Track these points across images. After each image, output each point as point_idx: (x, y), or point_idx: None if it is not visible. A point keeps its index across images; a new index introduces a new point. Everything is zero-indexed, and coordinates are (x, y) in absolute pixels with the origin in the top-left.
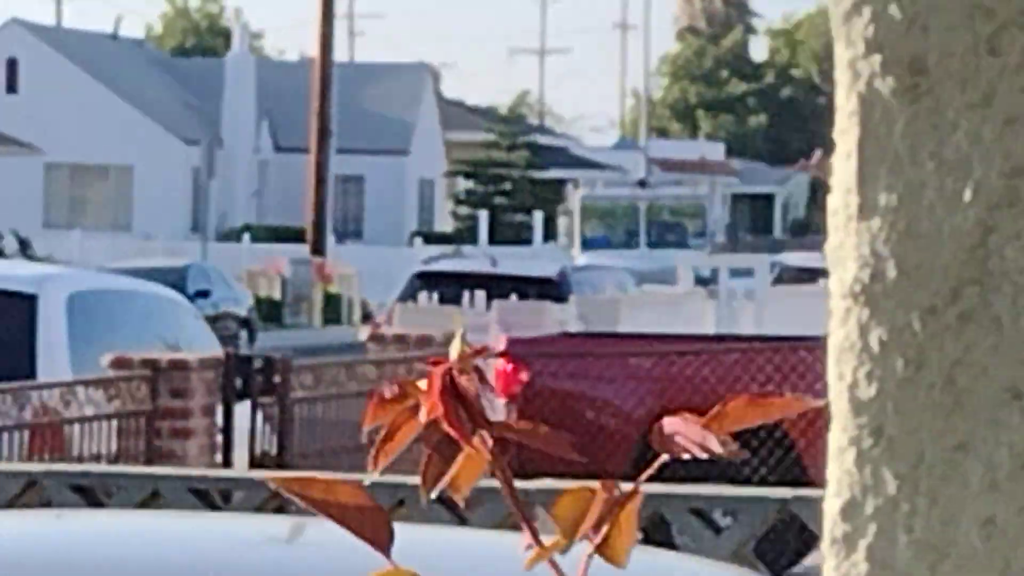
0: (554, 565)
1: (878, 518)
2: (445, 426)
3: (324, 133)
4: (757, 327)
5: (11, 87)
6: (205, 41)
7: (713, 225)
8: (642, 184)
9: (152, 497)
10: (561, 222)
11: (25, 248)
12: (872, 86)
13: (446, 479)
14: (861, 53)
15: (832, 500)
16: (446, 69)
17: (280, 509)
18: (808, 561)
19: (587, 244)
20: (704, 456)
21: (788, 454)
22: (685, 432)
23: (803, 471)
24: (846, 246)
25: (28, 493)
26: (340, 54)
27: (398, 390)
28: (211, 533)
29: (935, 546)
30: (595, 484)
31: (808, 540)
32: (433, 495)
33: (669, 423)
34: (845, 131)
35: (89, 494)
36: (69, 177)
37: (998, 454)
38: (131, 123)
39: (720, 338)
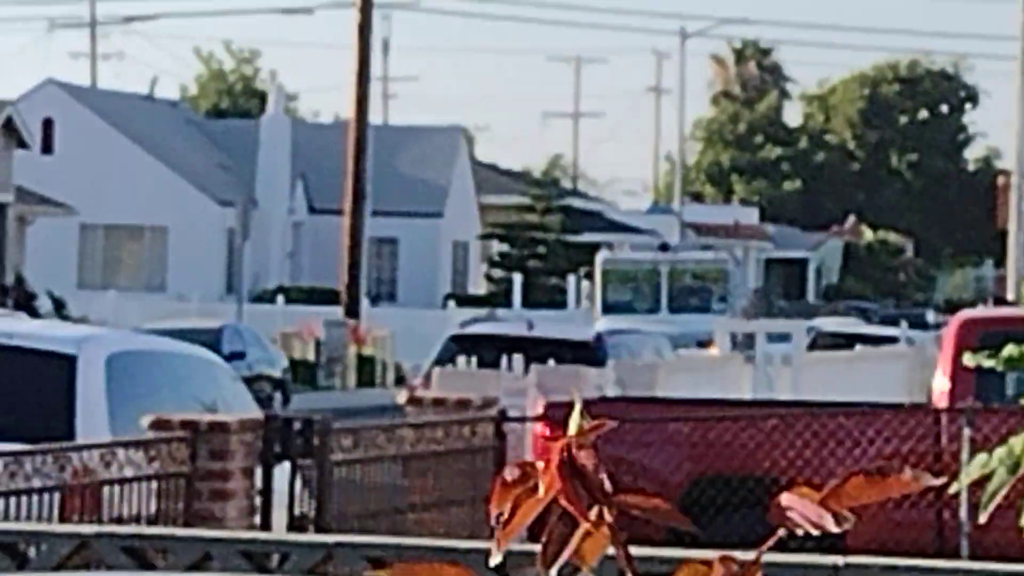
0: None
1: None
2: (563, 502)
3: (359, 195)
4: (794, 392)
5: (46, 147)
6: (240, 102)
7: (735, 290)
8: (664, 248)
9: (203, 560)
10: (584, 285)
11: (59, 308)
12: None
13: (565, 555)
14: None
15: None
16: (480, 132)
17: (326, 574)
18: None
19: (608, 308)
20: (817, 532)
21: None
22: (802, 508)
23: (840, 536)
24: None
25: (79, 554)
26: (375, 116)
27: (519, 472)
28: None
29: None
30: (710, 555)
31: None
32: (553, 572)
33: (787, 498)
34: None
35: (140, 556)
36: (104, 237)
37: None
38: (166, 184)
39: (758, 403)
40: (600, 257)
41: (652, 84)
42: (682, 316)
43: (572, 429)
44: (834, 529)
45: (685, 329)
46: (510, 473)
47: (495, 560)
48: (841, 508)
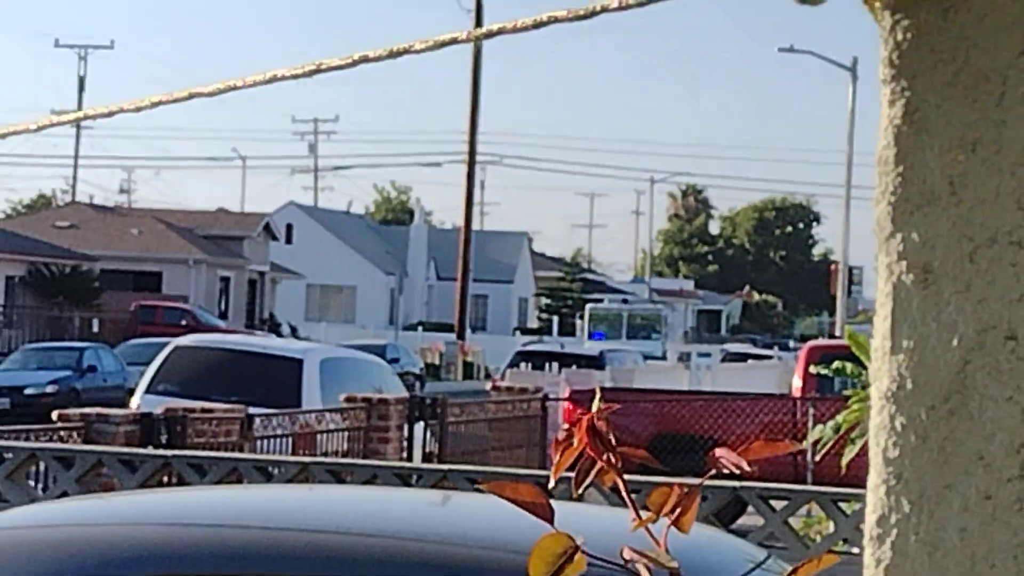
0: (648, 530)
1: (898, 526)
2: (588, 451)
3: (466, 270)
4: (713, 386)
5: (288, 240)
6: (399, 216)
7: (668, 327)
8: (624, 302)
9: (373, 478)
10: (579, 323)
11: (294, 332)
12: (900, 279)
13: (588, 481)
14: (894, 260)
15: (870, 515)
16: (536, 234)
17: (440, 486)
18: (739, 522)
19: (591, 336)
20: (738, 472)
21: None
22: (728, 457)
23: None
24: (882, 369)
25: (302, 474)
26: (476, 224)
27: (564, 434)
28: (408, 498)
29: (931, 543)
30: (672, 481)
31: (739, 510)
32: (581, 490)
33: (720, 451)
34: (883, 304)
35: (337, 475)
36: (320, 292)
37: (969, 491)
38: (356, 262)
39: (692, 392)
40: (587, 307)
41: (635, 208)
42: (634, 341)
43: (594, 408)
44: (747, 470)
45: (637, 349)
46: (561, 435)
47: (551, 484)
48: (749, 458)
